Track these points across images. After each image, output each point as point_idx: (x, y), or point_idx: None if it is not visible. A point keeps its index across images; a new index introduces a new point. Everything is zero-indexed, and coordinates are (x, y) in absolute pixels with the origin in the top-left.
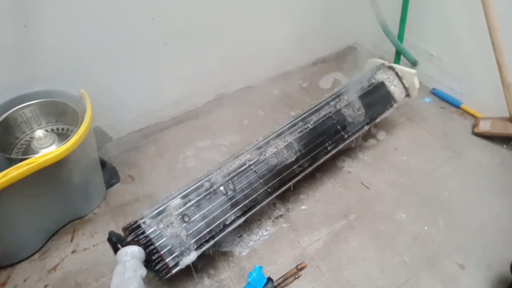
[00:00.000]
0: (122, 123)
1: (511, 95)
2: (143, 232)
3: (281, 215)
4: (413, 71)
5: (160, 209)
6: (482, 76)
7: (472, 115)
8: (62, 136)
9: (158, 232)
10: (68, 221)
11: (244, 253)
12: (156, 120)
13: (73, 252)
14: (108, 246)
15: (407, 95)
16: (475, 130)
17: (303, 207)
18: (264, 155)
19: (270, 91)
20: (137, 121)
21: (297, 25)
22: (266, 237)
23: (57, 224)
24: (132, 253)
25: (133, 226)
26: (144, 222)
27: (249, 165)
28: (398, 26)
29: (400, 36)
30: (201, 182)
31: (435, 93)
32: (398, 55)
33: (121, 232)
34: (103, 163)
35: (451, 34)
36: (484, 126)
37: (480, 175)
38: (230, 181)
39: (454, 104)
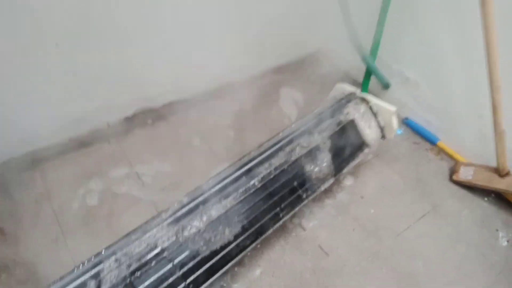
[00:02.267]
0: None
1: (503, 144)
2: None
3: None
4: (392, 108)
5: None
6: (466, 111)
7: (450, 156)
8: None
9: None
10: None
11: None
12: (46, 142)
13: None
14: None
15: (382, 136)
16: (454, 178)
17: (240, 285)
18: (187, 231)
19: (211, 107)
20: (17, 144)
21: (247, 26)
22: None
23: None
24: None
25: None
26: None
27: (162, 250)
28: (370, 40)
29: (374, 52)
30: (84, 278)
31: (408, 123)
32: (368, 74)
33: None
34: None
35: (433, 55)
36: (465, 174)
37: (459, 237)
38: (129, 279)
39: (430, 140)
